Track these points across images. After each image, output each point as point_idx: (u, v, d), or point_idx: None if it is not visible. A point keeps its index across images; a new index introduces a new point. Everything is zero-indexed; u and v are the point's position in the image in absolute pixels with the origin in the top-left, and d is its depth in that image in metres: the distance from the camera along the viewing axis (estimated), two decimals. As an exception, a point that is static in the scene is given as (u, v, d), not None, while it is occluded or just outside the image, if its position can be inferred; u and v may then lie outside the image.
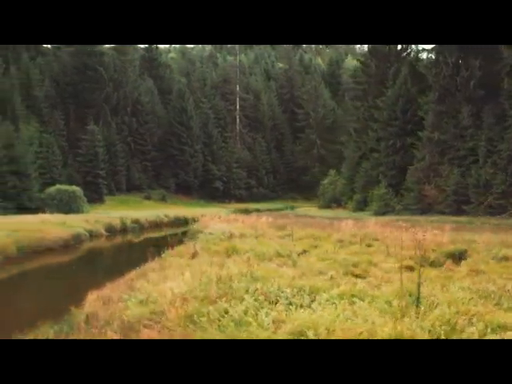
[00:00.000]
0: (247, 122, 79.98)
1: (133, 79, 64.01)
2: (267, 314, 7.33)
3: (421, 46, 48.63)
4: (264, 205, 64.84)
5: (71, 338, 6.91)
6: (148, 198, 59.46)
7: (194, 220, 43.75)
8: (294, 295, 8.26)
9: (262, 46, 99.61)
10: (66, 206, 41.25)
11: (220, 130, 73.29)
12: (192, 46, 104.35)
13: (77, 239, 25.18)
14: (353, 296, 8.37)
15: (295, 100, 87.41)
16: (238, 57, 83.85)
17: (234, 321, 7.21)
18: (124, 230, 32.58)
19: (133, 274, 12.77)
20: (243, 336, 6.71)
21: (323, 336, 6.42)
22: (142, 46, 73.44)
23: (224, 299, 8.10)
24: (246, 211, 59.23)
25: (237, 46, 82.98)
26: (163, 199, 60.62)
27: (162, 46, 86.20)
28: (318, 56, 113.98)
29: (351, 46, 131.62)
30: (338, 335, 6.41)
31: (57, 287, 15.17)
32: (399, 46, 47.93)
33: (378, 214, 37.74)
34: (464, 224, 27.14)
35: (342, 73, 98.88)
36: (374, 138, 44.97)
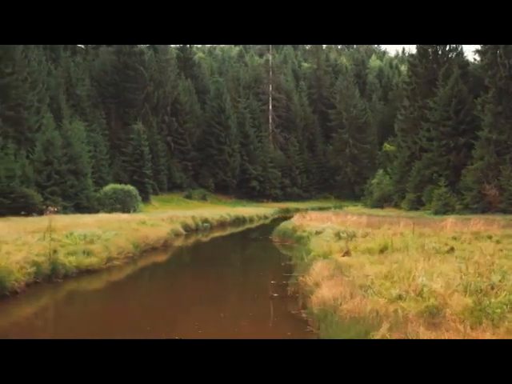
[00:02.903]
0: (280, 122, 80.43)
1: (172, 78, 64.34)
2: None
3: (473, 47, 49.05)
4: (302, 204, 65.14)
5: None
6: (189, 197, 59.82)
7: (251, 219, 44.30)
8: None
9: (288, 46, 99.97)
10: (122, 204, 41.58)
11: (255, 130, 73.81)
12: (219, 45, 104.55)
13: (170, 238, 25.50)
14: None
15: (324, 100, 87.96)
16: (270, 56, 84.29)
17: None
18: (197, 228, 32.91)
19: (313, 272, 12.84)
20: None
21: None
22: (174, 45, 73.81)
23: (504, 292, 8.39)
24: (287, 211, 59.54)
25: (270, 46, 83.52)
26: (204, 198, 61.02)
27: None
28: (341, 56, 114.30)
29: (371, 46, 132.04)
30: None
31: (235, 286, 15.24)
32: (448, 47, 48.26)
33: (438, 213, 37.99)
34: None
35: (368, 73, 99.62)
36: (425, 137, 45.33)
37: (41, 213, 34.67)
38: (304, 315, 10.62)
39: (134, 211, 41.28)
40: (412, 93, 48.96)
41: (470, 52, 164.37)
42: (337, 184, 79.79)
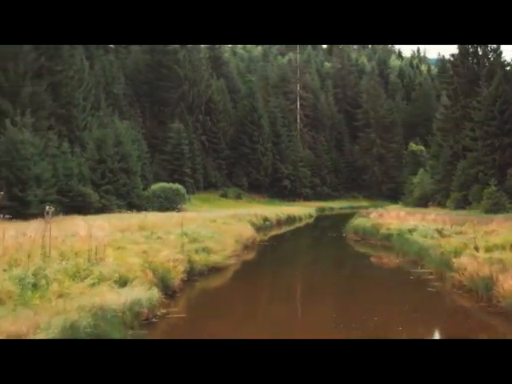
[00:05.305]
0: (307, 121, 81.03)
1: (205, 77, 64.74)
2: None
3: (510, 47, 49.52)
4: (333, 203, 65.82)
5: None
6: (224, 196, 60.29)
7: (300, 218, 44.84)
8: None
9: (309, 46, 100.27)
10: (171, 203, 41.92)
11: (285, 129, 74.44)
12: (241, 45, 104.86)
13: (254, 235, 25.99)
14: None
15: (348, 99, 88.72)
16: (298, 56, 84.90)
17: None
18: (259, 226, 33.44)
19: (465, 267, 13.14)
20: None
21: None
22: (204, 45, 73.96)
23: None
24: (323, 210, 60.07)
25: (298, 46, 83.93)
26: (239, 197, 61.49)
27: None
28: (361, 56, 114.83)
29: (386, 46, 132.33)
30: None
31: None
32: (489, 47, 48.72)
33: (488, 212, 38.36)
34: None
35: (389, 73, 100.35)
36: (468, 137, 45.75)
37: (98, 211, 35.21)
38: (491, 309, 10.96)
39: (182, 209, 41.68)
40: (454, 92, 49.33)
41: (509, 52, 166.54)
42: (365, 183, 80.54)
